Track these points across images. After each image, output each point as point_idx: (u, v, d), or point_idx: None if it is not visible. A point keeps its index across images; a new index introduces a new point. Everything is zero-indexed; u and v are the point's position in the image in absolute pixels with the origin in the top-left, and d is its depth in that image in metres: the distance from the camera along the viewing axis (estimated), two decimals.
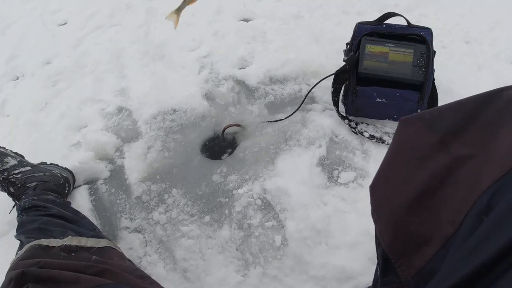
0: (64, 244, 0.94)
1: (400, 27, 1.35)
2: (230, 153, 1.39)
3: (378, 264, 0.67)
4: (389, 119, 1.37)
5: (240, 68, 1.63)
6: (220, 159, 1.38)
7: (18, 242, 1.06)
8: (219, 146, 1.43)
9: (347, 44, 1.39)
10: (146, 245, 1.20)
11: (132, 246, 1.19)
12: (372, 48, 1.31)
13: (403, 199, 0.57)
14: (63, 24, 2.20)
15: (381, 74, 1.30)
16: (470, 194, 0.49)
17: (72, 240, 0.96)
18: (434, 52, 1.33)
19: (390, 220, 0.59)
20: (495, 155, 0.50)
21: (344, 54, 1.36)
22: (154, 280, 0.94)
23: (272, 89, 1.53)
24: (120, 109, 1.56)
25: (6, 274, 0.87)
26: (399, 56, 1.30)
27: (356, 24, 1.36)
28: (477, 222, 0.46)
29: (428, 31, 1.34)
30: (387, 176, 0.63)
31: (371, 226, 0.67)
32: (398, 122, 0.65)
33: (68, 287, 0.78)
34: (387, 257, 0.59)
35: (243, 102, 1.51)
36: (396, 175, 0.61)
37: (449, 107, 0.59)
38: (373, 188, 0.65)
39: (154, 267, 1.15)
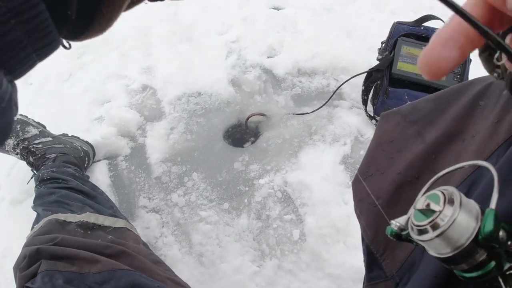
0: (82, 220, 0.94)
1: None
2: (252, 142, 1.38)
3: (363, 258, 0.67)
4: None
5: (269, 57, 1.60)
6: (243, 147, 1.37)
7: (33, 211, 1.06)
8: (242, 134, 1.42)
9: (382, 43, 1.36)
10: (163, 226, 1.20)
11: (149, 225, 1.19)
12: (408, 49, 1.28)
13: (382, 193, 0.58)
14: None
15: (415, 77, 1.27)
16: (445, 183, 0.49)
17: (89, 217, 0.95)
18: (470, 60, 1.30)
19: (371, 214, 0.59)
20: (471, 143, 0.50)
21: (379, 53, 1.34)
22: (168, 267, 0.93)
23: (300, 81, 1.51)
24: (144, 87, 1.55)
25: (22, 250, 0.87)
26: None
27: (394, 24, 1.34)
28: None
29: None
30: (367, 170, 0.63)
31: None
32: (379, 117, 0.65)
33: (85, 266, 0.78)
34: (371, 252, 0.59)
35: (269, 91, 1.50)
36: (375, 169, 0.61)
37: (426, 98, 0.60)
38: (355, 183, 0.65)
39: (169, 249, 1.15)
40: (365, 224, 0.60)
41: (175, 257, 1.12)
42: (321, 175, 1.22)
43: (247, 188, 1.25)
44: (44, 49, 0.27)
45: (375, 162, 0.62)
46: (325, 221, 1.13)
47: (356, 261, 1.06)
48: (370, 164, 0.63)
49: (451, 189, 0.33)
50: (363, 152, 1.30)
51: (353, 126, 1.35)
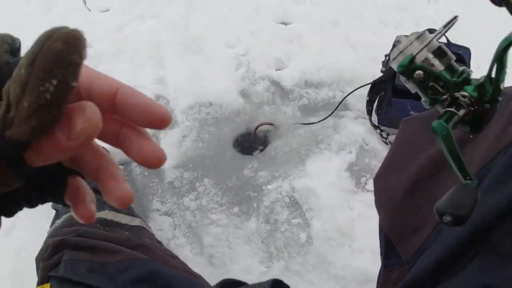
0: (101, 217, 0.99)
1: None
2: (261, 150, 1.43)
3: (381, 250, 0.72)
4: None
5: (277, 70, 1.67)
6: (252, 155, 1.42)
7: (52, 211, 1.11)
8: (251, 142, 1.48)
9: (385, 55, 1.42)
10: (175, 229, 1.25)
11: (162, 227, 1.24)
12: None
13: (399, 188, 0.64)
14: (106, 11, 2.27)
15: None
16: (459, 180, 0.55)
17: (108, 214, 1.00)
18: (471, 71, 1.36)
19: (388, 207, 0.66)
20: (481, 145, 0.55)
21: (382, 65, 1.40)
22: (183, 261, 0.98)
23: (307, 93, 1.57)
24: (157, 97, 1.62)
25: (45, 241, 0.92)
26: None
27: (397, 37, 1.40)
28: None
29: (467, 50, 1.37)
30: (388, 169, 0.70)
31: None
32: (401, 123, 0.71)
33: (106, 256, 0.82)
34: (389, 240, 0.65)
35: (277, 102, 1.56)
36: (395, 167, 0.68)
37: None
38: (376, 180, 0.73)
39: (181, 250, 1.20)
40: (384, 216, 0.67)
41: (186, 258, 1.17)
42: (327, 181, 1.28)
43: (256, 194, 1.30)
44: None
45: (395, 162, 0.69)
46: (330, 225, 1.18)
47: (360, 263, 1.11)
48: (390, 163, 0.71)
49: (427, 33, 0.47)
50: (368, 160, 1.35)
51: (358, 135, 1.41)
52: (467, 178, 0.40)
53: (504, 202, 0.45)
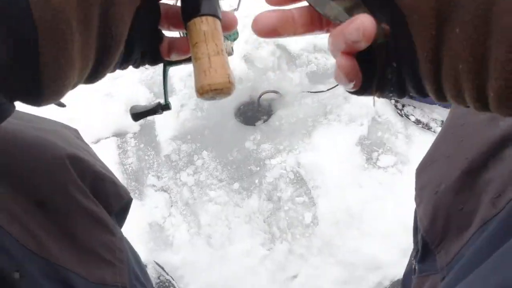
0: None
1: None
2: (265, 121, 1.33)
3: (416, 252, 0.61)
4: (438, 105, 1.28)
5: None
6: (254, 125, 1.32)
7: None
8: (254, 112, 1.37)
9: None
10: (172, 206, 1.17)
11: (157, 205, 1.17)
12: None
13: (445, 179, 0.51)
14: None
15: None
16: None
17: None
18: None
19: (430, 202, 0.53)
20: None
21: None
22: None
23: (315, 58, 1.44)
24: None
25: None
26: None
27: None
28: None
29: None
30: (434, 156, 0.58)
31: (407, 217, 0.64)
32: (449, 110, 0.60)
33: None
34: (426, 243, 0.53)
35: (283, 68, 1.43)
36: (441, 153, 0.56)
37: None
38: (419, 171, 0.60)
39: (177, 229, 1.13)
40: (422, 213, 0.55)
41: (183, 238, 1.10)
42: (336, 156, 1.18)
43: (258, 168, 1.21)
44: None
45: (443, 146, 0.57)
46: (338, 205, 1.09)
47: (369, 248, 1.03)
48: (437, 149, 0.58)
49: None
50: (380, 134, 1.24)
51: (371, 105, 1.29)
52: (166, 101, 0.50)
53: None
